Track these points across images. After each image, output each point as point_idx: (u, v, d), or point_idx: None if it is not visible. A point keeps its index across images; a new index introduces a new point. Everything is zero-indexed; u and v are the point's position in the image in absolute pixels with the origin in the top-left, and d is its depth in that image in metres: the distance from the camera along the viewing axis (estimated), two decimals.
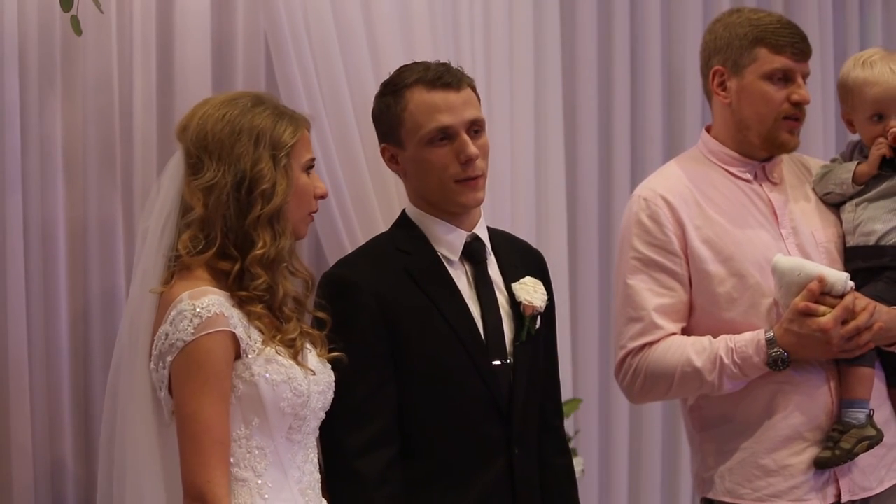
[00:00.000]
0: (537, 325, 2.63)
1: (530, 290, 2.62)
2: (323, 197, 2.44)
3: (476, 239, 2.62)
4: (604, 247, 3.75)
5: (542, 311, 2.63)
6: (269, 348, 2.32)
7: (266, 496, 2.32)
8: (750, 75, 2.81)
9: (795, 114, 2.81)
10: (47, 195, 2.95)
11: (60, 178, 2.97)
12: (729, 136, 2.87)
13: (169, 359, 2.28)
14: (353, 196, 3.01)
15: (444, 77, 2.56)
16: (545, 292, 2.65)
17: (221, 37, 3.14)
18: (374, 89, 2.98)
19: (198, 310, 2.27)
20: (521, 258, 2.72)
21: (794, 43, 2.79)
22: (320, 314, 2.49)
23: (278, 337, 2.34)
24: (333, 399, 2.47)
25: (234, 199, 2.34)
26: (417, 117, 2.54)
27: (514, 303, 2.61)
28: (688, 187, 2.84)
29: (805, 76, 2.83)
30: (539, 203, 3.51)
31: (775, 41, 2.79)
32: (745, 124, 2.83)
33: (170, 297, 2.32)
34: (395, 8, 3.08)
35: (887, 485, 2.81)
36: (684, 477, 3.82)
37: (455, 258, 2.59)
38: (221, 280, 2.34)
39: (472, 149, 2.54)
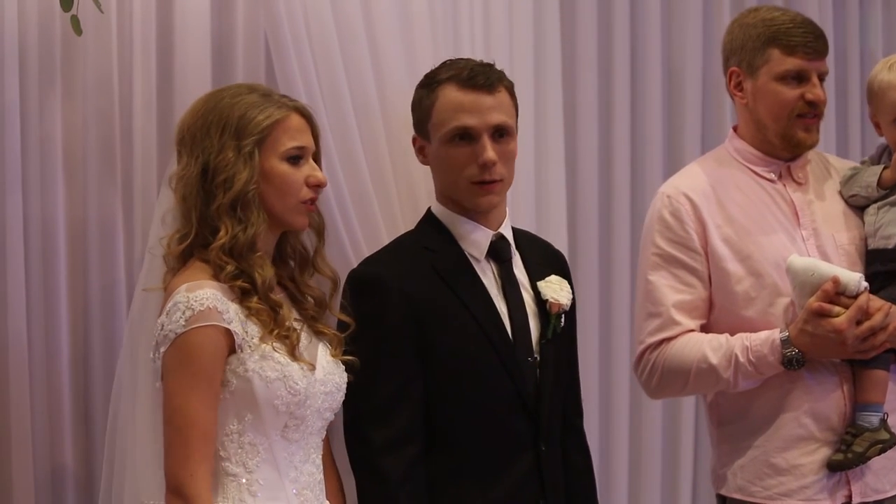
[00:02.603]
0: (562, 324, 2.67)
1: (556, 289, 2.66)
2: (319, 185, 2.43)
3: (501, 238, 2.66)
4: (604, 247, 3.75)
5: (568, 309, 2.65)
6: (265, 345, 2.32)
7: (256, 493, 2.32)
8: (764, 76, 2.82)
9: (809, 111, 2.82)
10: (47, 195, 2.95)
11: (60, 178, 2.97)
12: (751, 135, 2.89)
13: (162, 349, 2.29)
14: (354, 196, 3.01)
15: (478, 78, 2.59)
16: (570, 291, 2.68)
17: (221, 37, 3.14)
18: (374, 89, 3.01)
19: (191, 302, 2.28)
20: (544, 257, 2.77)
21: (808, 42, 2.80)
22: (344, 318, 2.50)
23: (275, 332, 2.33)
24: (359, 395, 2.48)
25: (201, 188, 2.35)
26: (442, 114, 2.59)
27: (540, 301, 2.66)
28: (711, 186, 2.86)
29: (821, 74, 2.85)
30: (539, 203, 3.51)
31: (787, 41, 2.80)
32: (763, 124, 2.85)
33: (171, 289, 2.33)
34: (395, 8, 3.07)
35: None
36: (684, 477, 3.82)
37: (481, 257, 2.63)
38: (219, 273, 2.35)
39: (489, 153, 2.57)
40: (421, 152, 2.68)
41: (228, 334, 2.30)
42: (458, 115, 2.58)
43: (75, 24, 2.77)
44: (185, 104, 2.97)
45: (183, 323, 2.27)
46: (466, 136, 2.58)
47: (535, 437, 2.60)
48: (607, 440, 3.76)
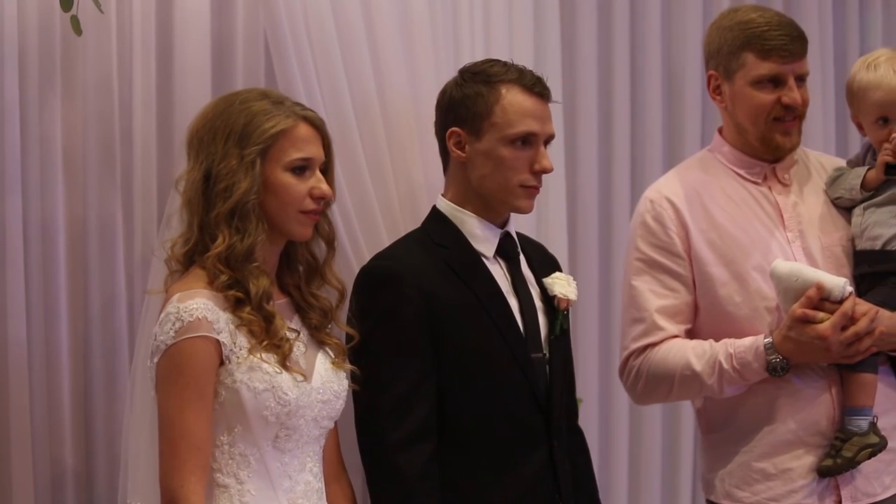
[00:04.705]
0: (568, 320, 2.71)
1: (564, 284, 2.70)
2: (323, 198, 2.42)
3: (508, 236, 2.68)
4: (604, 247, 3.75)
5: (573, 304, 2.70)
6: (253, 356, 2.30)
7: (248, 503, 2.31)
8: (739, 81, 2.80)
9: (787, 115, 2.80)
10: (47, 195, 2.95)
11: (60, 178, 2.97)
12: (733, 138, 2.88)
13: (155, 359, 2.28)
14: (353, 197, 3.01)
15: (539, 86, 2.63)
16: (576, 287, 2.72)
17: (221, 37, 3.14)
18: (374, 89, 3.00)
19: (181, 313, 2.26)
20: (543, 257, 2.80)
21: (783, 46, 2.76)
22: (350, 330, 2.50)
23: (265, 343, 2.32)
24: (375, 391, 2.48)
25: (203, 195, 2.34)
26: (510, 115, 2.59)
27: (546, 299, 2.68)
28: (695, 190, 2.84)
29: (800, 76, 2.80)
30: (539, 203, 3.49)
31: (761, 46, 2.76)
32: (742, 128, 2.83)
33: (169, 295, 2.33)
34: (395, 8, 3.07)
35: (893, 491, 2.79)
36: (684, 477, 3.82)
37: (490, 255, 2.65)
38: (214, 281, 2.34)
39: (549, 162, 2.62)
40: (459, 147, 2.63)
41: (219, 345, 2.28)
42: (526, 120, 2.59)
43: (75, 24, 2.77)
44: (185, 104, 2.99)
45: (173, 334, 2.26)
46: (527, 141, 2.60)
47: (548, 433, 2.61)
48: (607, 440, 3.76)
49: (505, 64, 2.65)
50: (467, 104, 2.61)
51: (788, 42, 2.76)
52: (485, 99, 2.59)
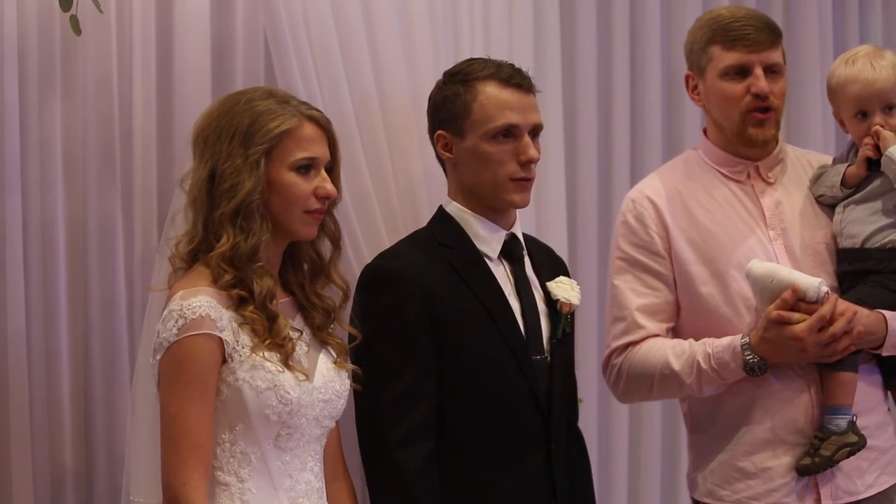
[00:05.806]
0: (571, 324, 2.71)
1: (567, 288, 2.70)
2: (327, 197, 2.42)
3: (513, 238, 2.68)
4: (603, 247, 3.74)
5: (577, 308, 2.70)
6: (256, 355, 2.30)
7: (248, 502, 2.30)
8: (710, 76, 2.83)
9: (758, 105, 2.80)
10: (47, 195, 2.95)
11: (60, 179, 2.97)
12: (715, 137, 2.90)
13: (158, 357, 2.28)
14: (353, 196, 3.01)
15: (517, 77, 2.62)
16: (580, 292, 2.71)
17: (221, 37, 3.14)
18: (374, 89, 3.01)
19: (184, 310, 2.26)
20: (549, 260, 2.80)
21: (746, 35, 2.77)
22: (353, 330, 2.50)
23: (268, 342, 2.32)
24: (376, 389, 2.48)
25: (208, 193, 2.34)
26: (488, 110, 2.59)
27: (549, 302, 2.68)
28: (677, 189, 2.85)
29: (769, 66, 2.80)
30: (539, 203, 3.51)
31: (724, 37, 2.79)
32: (720, 125, 2.85)
33: (172, 293, 2.33)
34: (395, 8, 3.07)
35: (877, 489, 2.79)
36: (684, 477, 3.81)
37: (494, 256, 2.65)
38: (218, 279, 2.34)
39: (534, 151, 2.61)
40: (446, 149, 2.65)
41: (221, 343, 2.28)
42: (504, 113, 2.59)
43: (74, 24, 2.77)
44: (185, 104, 2.99)
45: (175, 332, 2.26)
46: (510, 133, 2.59)
47: (547, 435, 2.61)
48: (607, 440, 3.76)
49: (484, 60, 2.66)
50: (447, 105, 2.63)
51: (753, 32, 2.78)
52: (462, 98, 2.61)
